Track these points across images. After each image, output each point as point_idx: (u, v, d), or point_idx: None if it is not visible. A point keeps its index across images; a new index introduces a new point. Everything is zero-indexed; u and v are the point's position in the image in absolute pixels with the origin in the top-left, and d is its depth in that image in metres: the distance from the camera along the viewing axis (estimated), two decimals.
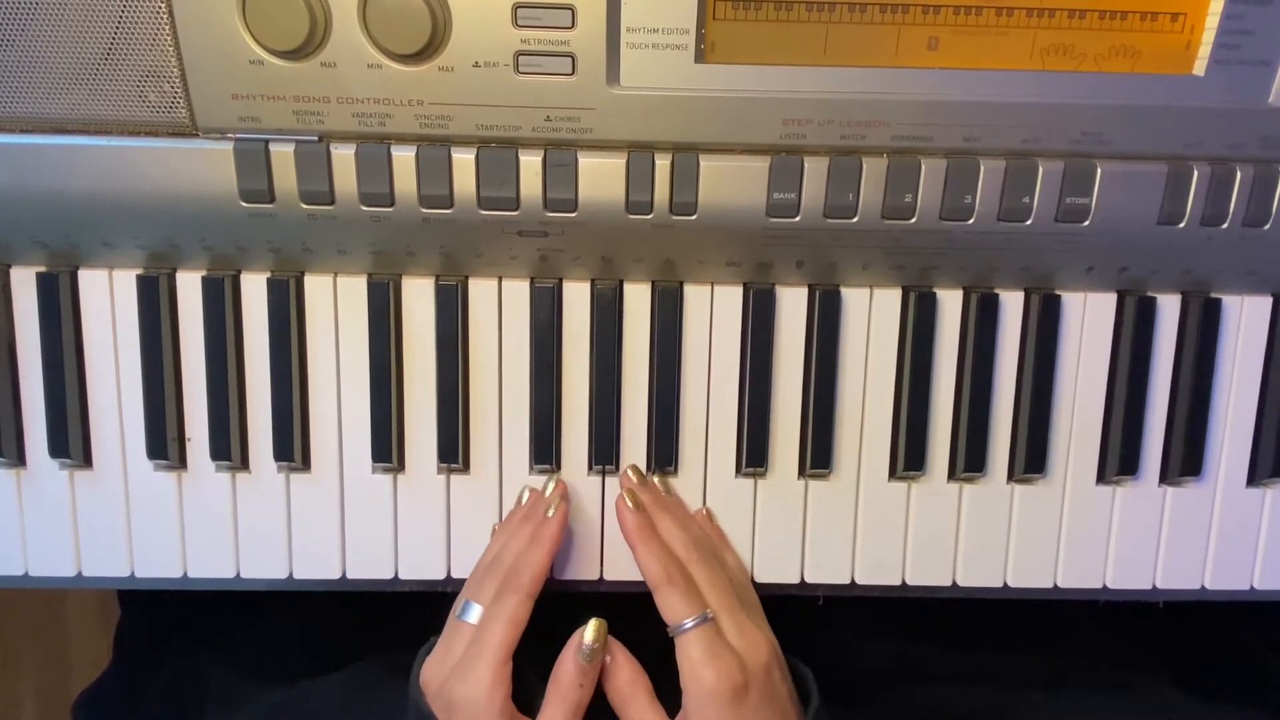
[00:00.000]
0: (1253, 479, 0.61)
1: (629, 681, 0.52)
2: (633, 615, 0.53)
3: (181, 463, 0.58)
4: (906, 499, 0.60)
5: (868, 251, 0.55)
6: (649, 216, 0.54)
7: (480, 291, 0.57)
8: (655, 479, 0.59)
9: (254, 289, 0.57)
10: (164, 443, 0.57)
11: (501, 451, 0.59)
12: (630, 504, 0.56)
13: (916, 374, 0.58)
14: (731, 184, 0.53)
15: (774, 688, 0.52)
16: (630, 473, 0.58)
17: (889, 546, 0.60)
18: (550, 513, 0.55)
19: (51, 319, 0.56)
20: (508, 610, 0.52)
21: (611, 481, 0.59)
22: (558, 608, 0.55)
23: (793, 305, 0.58)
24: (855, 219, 0.54)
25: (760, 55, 0.51)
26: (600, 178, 0.53)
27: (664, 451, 0.58)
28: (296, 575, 0.59)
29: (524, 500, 0.58)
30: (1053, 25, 0.51)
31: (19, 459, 0.58)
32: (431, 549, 0.59)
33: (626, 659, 0.53)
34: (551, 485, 0.58)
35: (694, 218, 0.54)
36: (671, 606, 0.52)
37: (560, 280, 0.57)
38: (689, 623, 0.51)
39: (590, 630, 0.52)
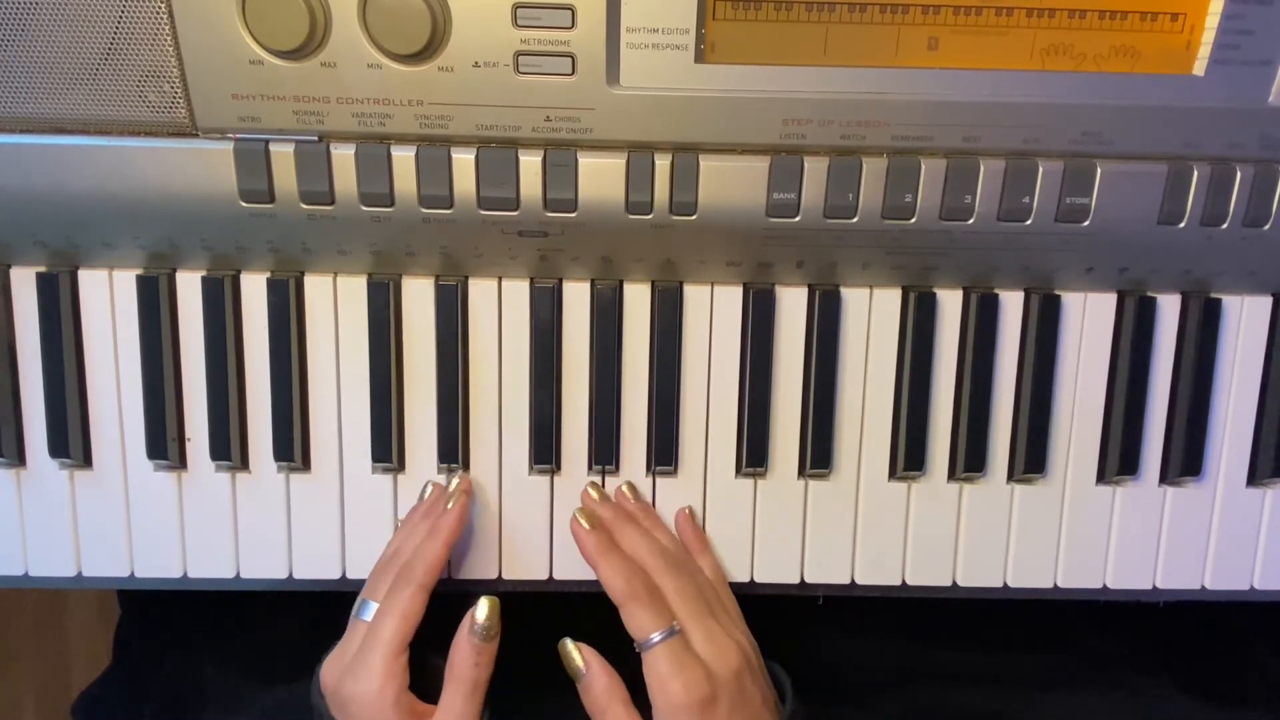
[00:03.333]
0: (1253, 479, 0.61)
1: (605, 690, 0.51)
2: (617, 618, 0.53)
3: (181, 463, 0.58)
4: (906, 499, 0.60)
5: (868, 251, 0.55)
6: (649, 216, 0.54)
7: (480, 291, 0.57)
8: (625, 487, 0.59)
9: (254, 289, 0.57)
10: (164, 443, 0.57)
11: (501, 452, 0.59)
12: (585, 523, 0.55)
13: (916, 374, 0.58)
14: (731, 184, 0.53)
15: (745, 694, 0.51)
16: (590, 489, 0.58)
17: (889, 546, 0.60)
18: (450, 505, 0.55)
19: (51, 319, 0.56)
20: (400, 603, 0.51)
21: (612, 482, 0.59)
22: (547, 608, 0.55)
23: (793, 305, 0.58)
24: (855, 219, 0.54)
25: (760, 55, 0.51)
26: (600, 178, 0.53)
27: (664, 451, 0.58)
28: (296, 575, 0.59)
29: (427, 494, 0.58)
30: (1053, 25, 0.51)
31: (19, 459, 0.58)
32: None
33: (602, 667, 0.52)
34: (455, 480, 0.57)
35: (694, 218, 0.54)
36: (637, 622, 0.51)
37: (560, 280, 0.57)
38: (655, 637, 0.50)
39: (482, 608, 0.51)
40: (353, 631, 0.53)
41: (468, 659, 0.50)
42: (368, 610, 0.53)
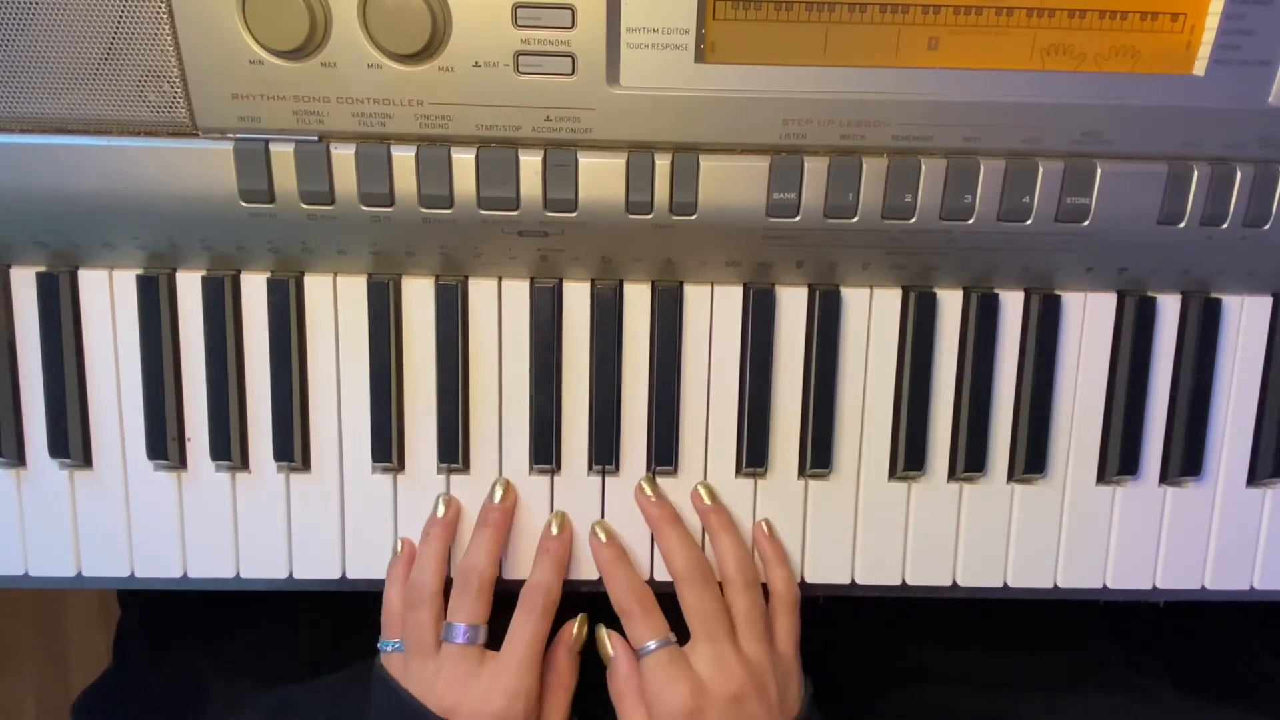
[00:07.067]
0: (1253, 479, 0.61)
1: (624, 679, 0.56)
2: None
3: (181, 463, 0.58)
4: (906, 499, 0.60)
5: (868, 251, 0.55)
6: (649, 216, 0.54)
7: (480, 291, 0.57)
8: (701, 489, 0.59)
9: (254, 289, 0.57)
10: (164, 443, 0.57)
11: (501, 452, 0.59)
12: (602, 536, 0.58)
13: (916, 374, 0.58)
14: (731, 184, 0.53)
15: (744, 716, 0.53)
16: (644, 484, 0.59)
17: (889, 546, 0.60)
18: (555, 530, 0.58)
19: (51, 319, 0.56)
20: (533, 633, 0.55)
21: (612, 482, 0.59)
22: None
23: (793, 305, 0.58)
24: (855, 219, 0.54)
25: (760, 55, 0.51)
26: (600, 178, 0.53)
27: (664, 452, 0.58)
28: (296, 575, 0.59)
29: (439, 510, 0.58)
30: (1053, 25, 0.51)
31: (19, 459, 0.58)
32: None
33: (627, 658, 0.56)
34: (500, 491, 0.58)
35: (694, 218, 0.54)
36: (633, 632, 0.56)
37: (560, 280, 0.57)
38: (650, 645, 0.54)
39: (578, 624, 0.58)
40: (460, 657, 0.54)
41: (567, 670, 0.57)
42: (456, 633, 0.54)
